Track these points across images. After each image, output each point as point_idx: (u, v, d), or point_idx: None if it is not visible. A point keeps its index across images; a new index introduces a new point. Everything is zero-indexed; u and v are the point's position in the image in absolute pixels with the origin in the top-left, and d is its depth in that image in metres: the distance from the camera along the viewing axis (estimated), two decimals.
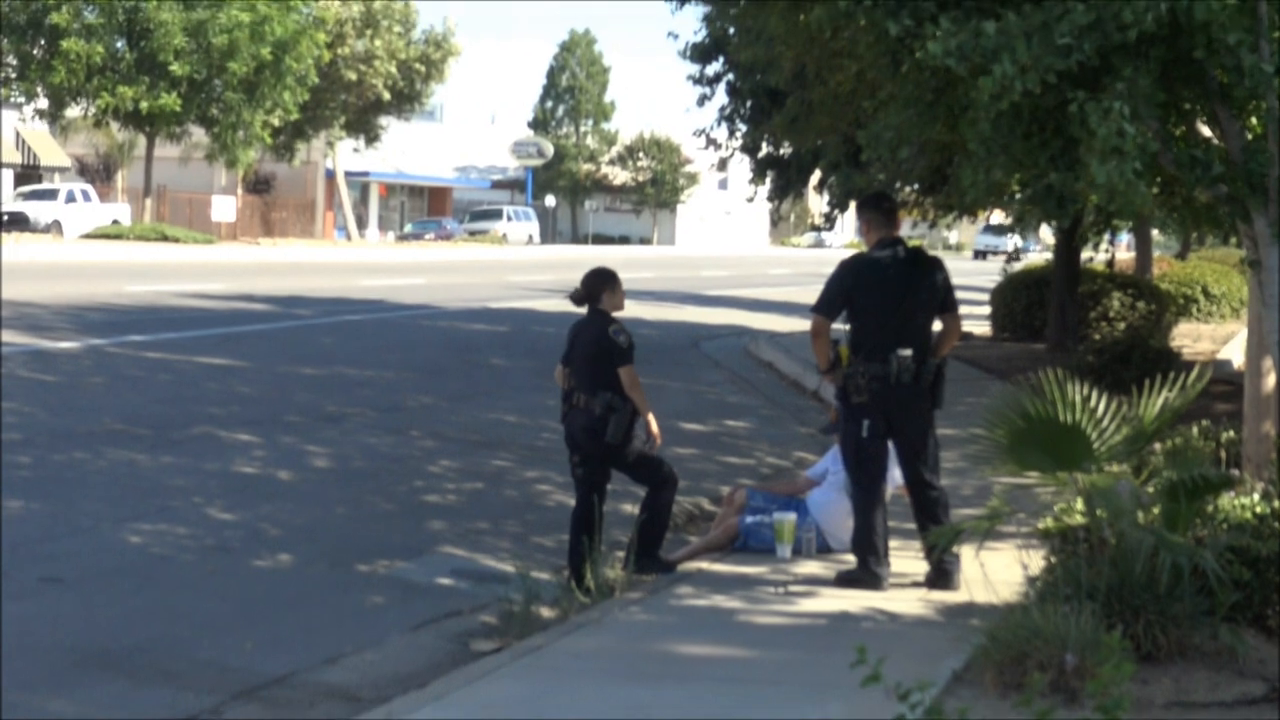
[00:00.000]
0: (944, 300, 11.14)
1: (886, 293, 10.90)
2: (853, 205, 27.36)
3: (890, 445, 11.20)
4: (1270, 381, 11.67)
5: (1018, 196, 10.83)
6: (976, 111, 9.43)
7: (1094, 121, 8.49)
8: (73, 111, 68.34)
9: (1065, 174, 9.09)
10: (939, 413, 11.21)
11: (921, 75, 10.46)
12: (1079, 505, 9.72)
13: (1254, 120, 9.39)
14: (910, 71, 10.53)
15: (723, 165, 31.58)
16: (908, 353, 10.85)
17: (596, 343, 11.49)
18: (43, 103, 66.98)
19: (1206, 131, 9.48)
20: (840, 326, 11.13)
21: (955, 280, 11.40)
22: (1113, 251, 28.84)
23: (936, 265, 11.18)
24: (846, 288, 11.00)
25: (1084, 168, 8.75)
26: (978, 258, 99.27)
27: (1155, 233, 31.93)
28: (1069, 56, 8.92)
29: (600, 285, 11.70)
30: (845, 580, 11.10)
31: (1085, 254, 27.60)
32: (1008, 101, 9.06)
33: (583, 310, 11.78)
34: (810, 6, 11.70)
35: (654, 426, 11.65)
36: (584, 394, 11.49)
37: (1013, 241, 36.44)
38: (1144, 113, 8.90)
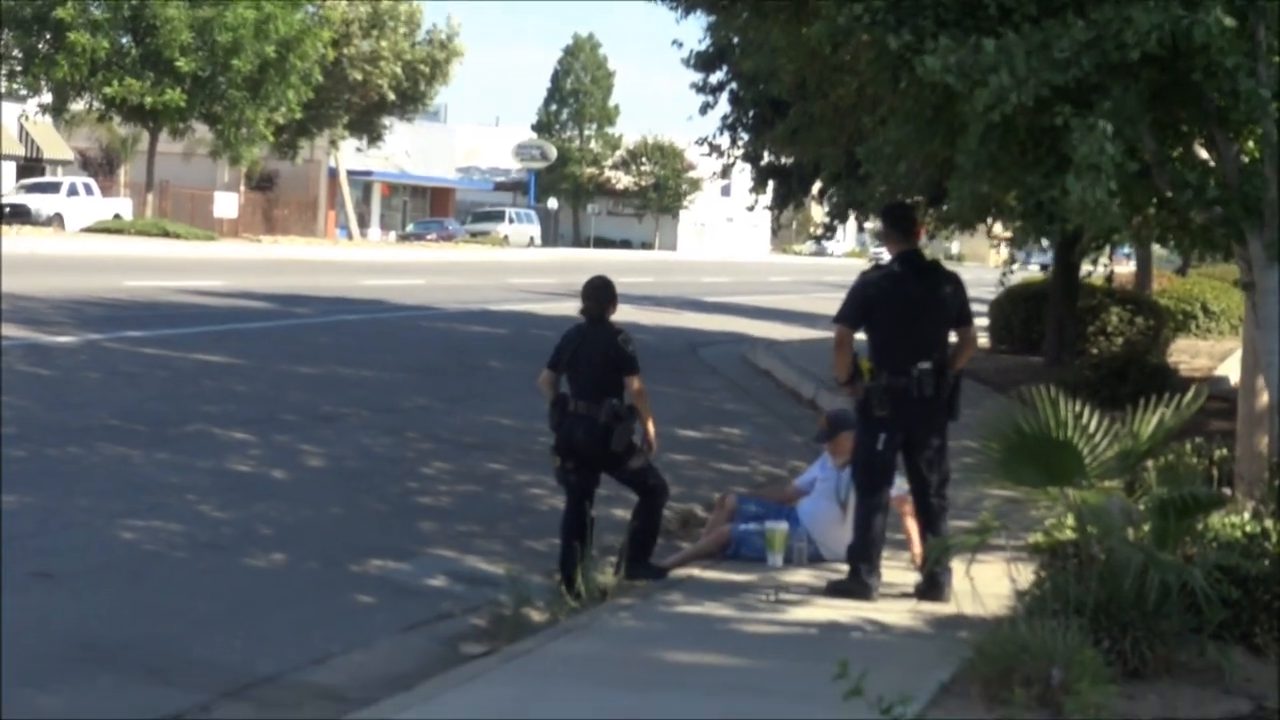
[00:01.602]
0: (960, 313, 11.20)
1: (906, 306, 10.96)
2: (853, 215, 27.57)
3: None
4: (1263, 401, 11.69)
5: (1011, 210, 10.86)
6: (970, 126, 9.46)
7: (1076, 138, 8.51)
8: (76, 105, 68.28)
9: (1050, 189, 9.11)
10: (953, 425, 11.25)
11: (921, 91, 10.49)
12: (1070, 521, 9.74)
13: (1250, 144, 9.41)
14: (910, 87, 10.55)
15: (725, 173, 31.59)
16: (927, 366, 10.89)
17: (605, 352, 11.52)
18: (46, 97, 66.92)
19: (1203, 153, 9.50)
20: (859, 338, 11.17)
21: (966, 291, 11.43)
22: (1111, 267, 28.81)
23: (952, 278, 11.23)
24: (867, 299, 11.04)
25: (1064, 183, 8.78)
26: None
27: (1157, 248, 31.90)
28: (1067, 71, 8.95)
29: (608, 298, 11.78)
30: (836, 590, 11.12)
31: (1085, 269, 27.61)
32: (999, 114, 9.08)
33: (575, 308, 11.80)
34: (811, 21, 11.73)
35: (652, 434, 11.67)
36: (586, 401, 11.50)
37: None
38: (1129, 133, 8.91)
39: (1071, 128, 8.75)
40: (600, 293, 11.77)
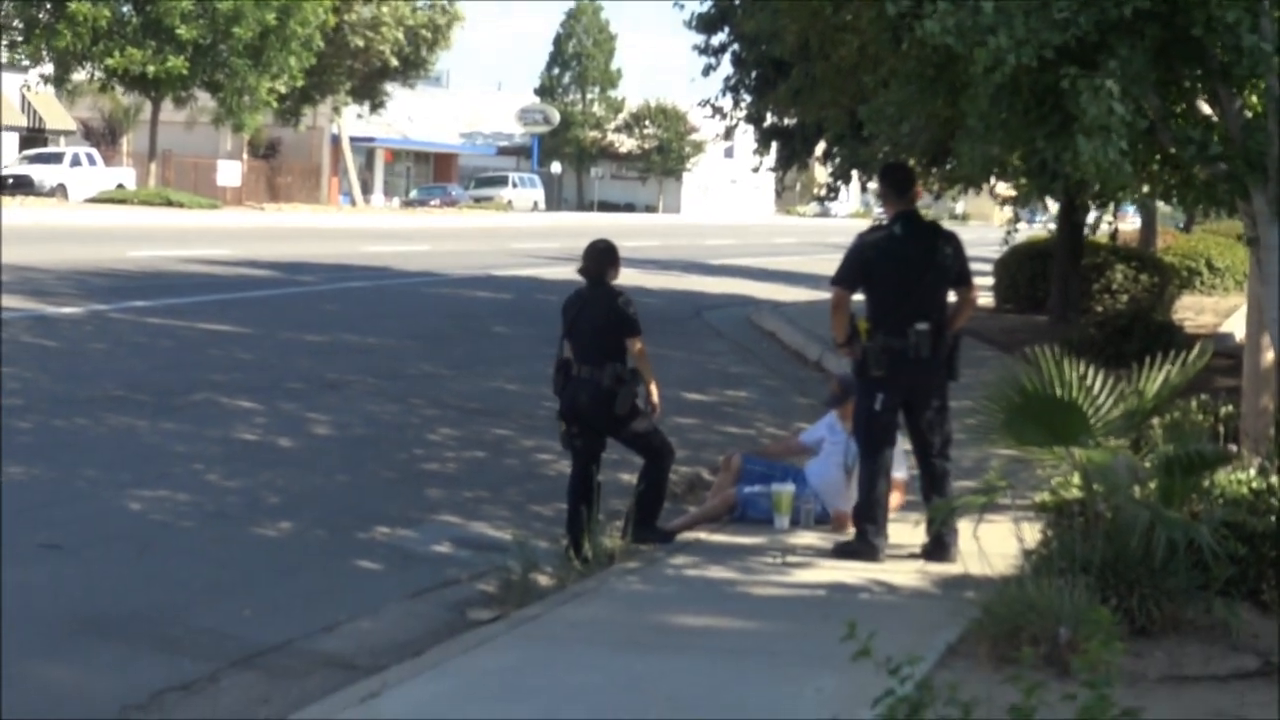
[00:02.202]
0: (959, 274, 11.19)
1: (904, 267, 10.94)
2: (856, 176, 27.53)
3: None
4: (1269, 357, 11.68)
5: (1016, 170, 10.84)
6: (976, 88, 9.43)
7: (1085, 99, 8.49)
8: (78, 75, 68.18)
9: (1057, 149, 9.09)
10: (958, 385, 11.25)
11: (923, 51, 10.46)
12: (1076, 480, 9.74)
13: (1253, 99, 9.38)
14: (911, 48, 10.53)
15: (728, 134, 31.55)
16: (925, 326, 10.88)
17: (606, 315, 11.49)
18: (48, 67, 66.83)
19: (1206, 109, 9.47)
20: (856, 299, 11.17)
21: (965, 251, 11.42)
22: (1115, 224, 28.78)
23: (951, 238, 11.22)
24: (865, 260, 11.03)
25: (1073, 143, 8.75)
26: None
27: (1161, 205, 31.85)
28: (1066, 30, 8.92)
29: (609, 260, 11.72)
30: (843, 551, 11.14)
31: (1090, 221, 27.56)
32: (1001, 74, 9.05)
33: (581, 281, 11.78)
34: None
35: (655, 397, 11.67)
36: (589, 365, 11.46)
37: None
38: (1136, 91, 8.89)
39: (1079, 89, 8.72)
40: (600, 255, 11.74)
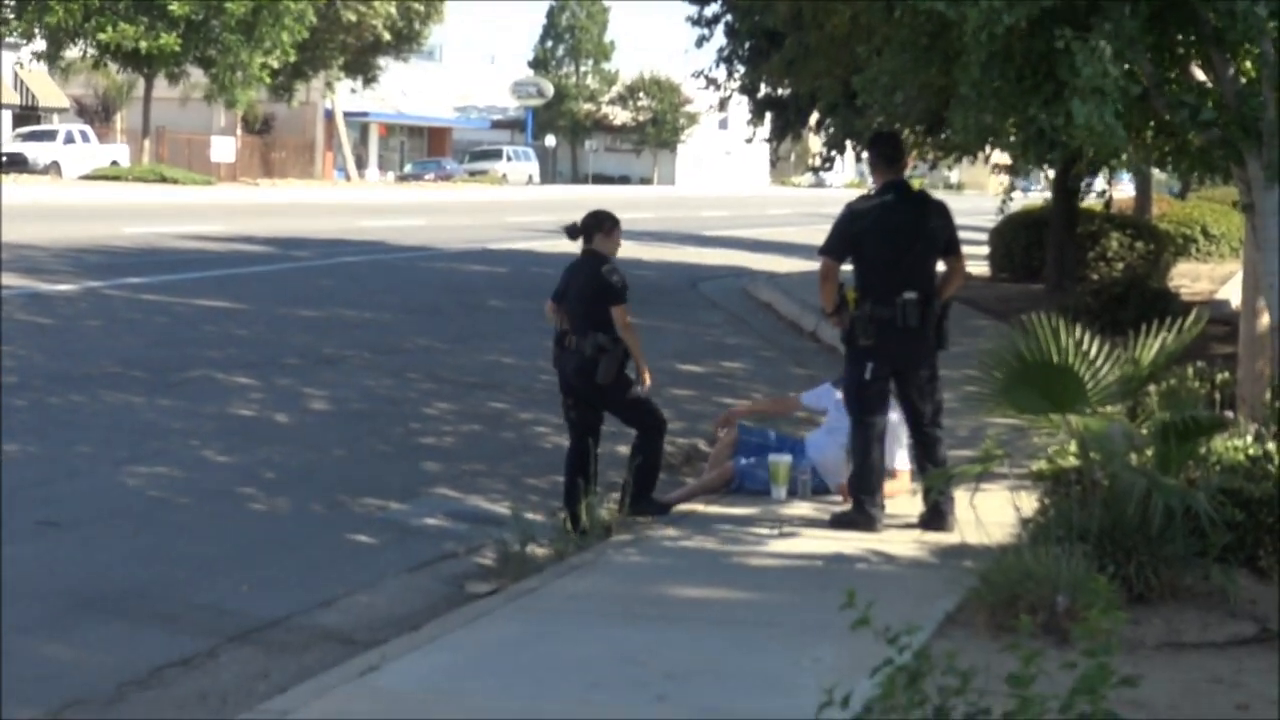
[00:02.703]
0: (948, 243, 11.18)
1: (892, 236, 10.92)
2: (850, 146, 27.50)
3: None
4: (1264, 323, 11.68)
5: (1011, 139, 10.82)
6: (969, 55, 9.41)
7: (1079, 61, 8.47)
8: (71, 52, 68.08)
9: (1051, 116, 9.07)
10: (941, 354, 11.25)
11: (916, 20, 10.44)
12: (1072, 448, 9.74)
13: (1248, 64, 9.36)
14: (904, 16, 10.51)
15: (722, 106, 31.49)
16: (913, 295, 10.87)
17: (590, 283, 11.46)
18: (40, 44, 66.73)
19: (1200, 75, 9.45)
20: (846, 269, 11.16)
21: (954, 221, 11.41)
22: (1109, 192, 28.77)
23: (940, 208, 11.21)
24: (853, 230, 11.02)
25: (1067, 108, 8.73)
26: None
27: (1156, 172, 31.80)
28: None
29: (596, 225, 11.64)
30: (840, 521, 11.14)
31: (1085, 187, 27.56)
32: (992, 37, 9.03)
33: (576, 246, 11.74)
34: None
35: (645, 369, 11.64)
36: (576, 335, 11.46)
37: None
38: (1130, 55, 8.87)
39: (1073, 51, 8.70)
40: (589, 218, 11.69)
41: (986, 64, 9.31)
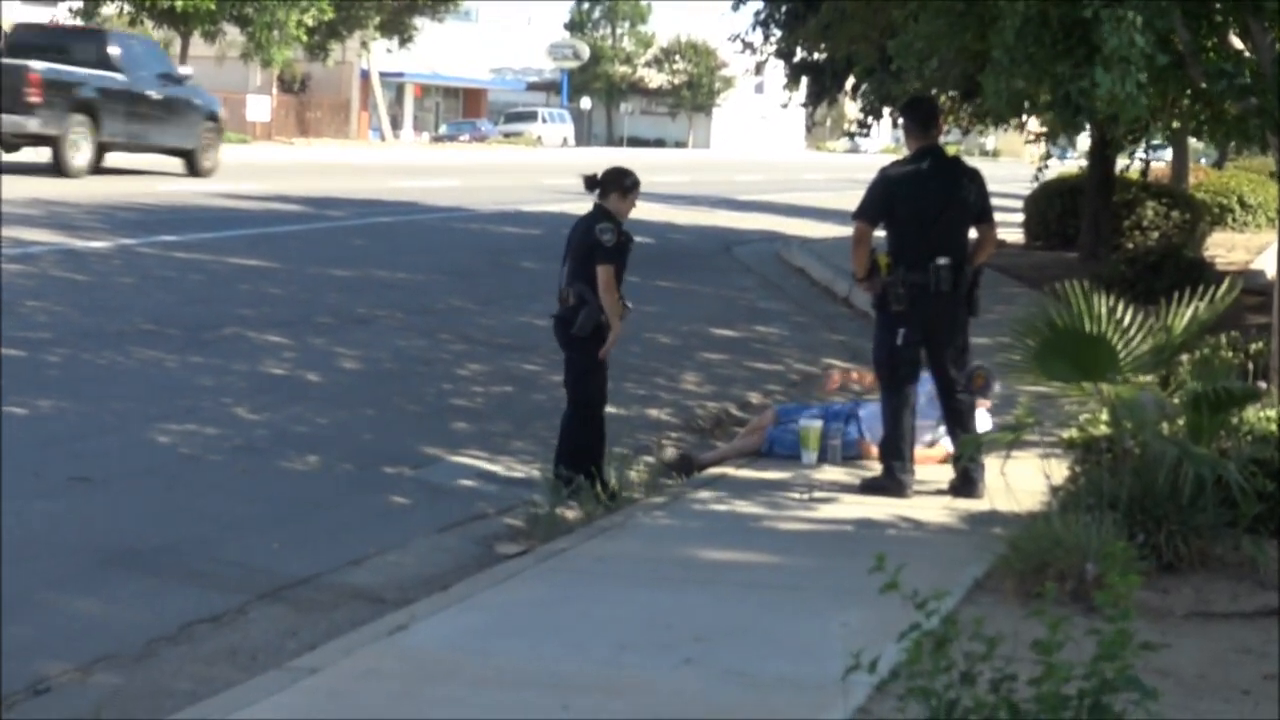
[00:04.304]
0: (980, 209, 11.16)
1: (925, 201, 10.91)
2: (887, 111, 27.43)
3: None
4: None
5: (1042, 103, 10.78)
6: (1004, 20, 9.37)
7: (1107, 29, 8.43)
8: (108, 9, 68.08)
9: (1079, 82, 9.03)
10: (973, 321, 11.23)
11: None
12: (1103, 416, 9.72)
13: None
14: None
15: (758, 70, 31.39)
16: (946, 261, 10.86)
17: (585, 236, 11.28)
18: (77, 1, 66.77)
19: (1238, 43, 9.39)
20: (879, 234, 11.14)
21: (989, 188, 11.38)
22: (1148, 159, 28.67)
23: (973, 174, 11.19)
24: (887, 195, 11.01)
25: (1092, 75, 8.69)
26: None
27: (1194, 141, 31.64)
28: None
29: (615, 181, 11.42)
30: (870, 487, 11.14)
31: (1121, 163, 27.48)
32: (1028, 4, 8.98)
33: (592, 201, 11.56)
34: None
35: (614, 336, 11.30)
36: (567, 286, 11.31)
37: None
38: (1161, 25, 8.82)
39: (1102, 19, 8.66)
40: (609, 173, 11.48)
41: (1021, 29, 9.27)
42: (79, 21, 68.49)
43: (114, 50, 37.46)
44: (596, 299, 11.14)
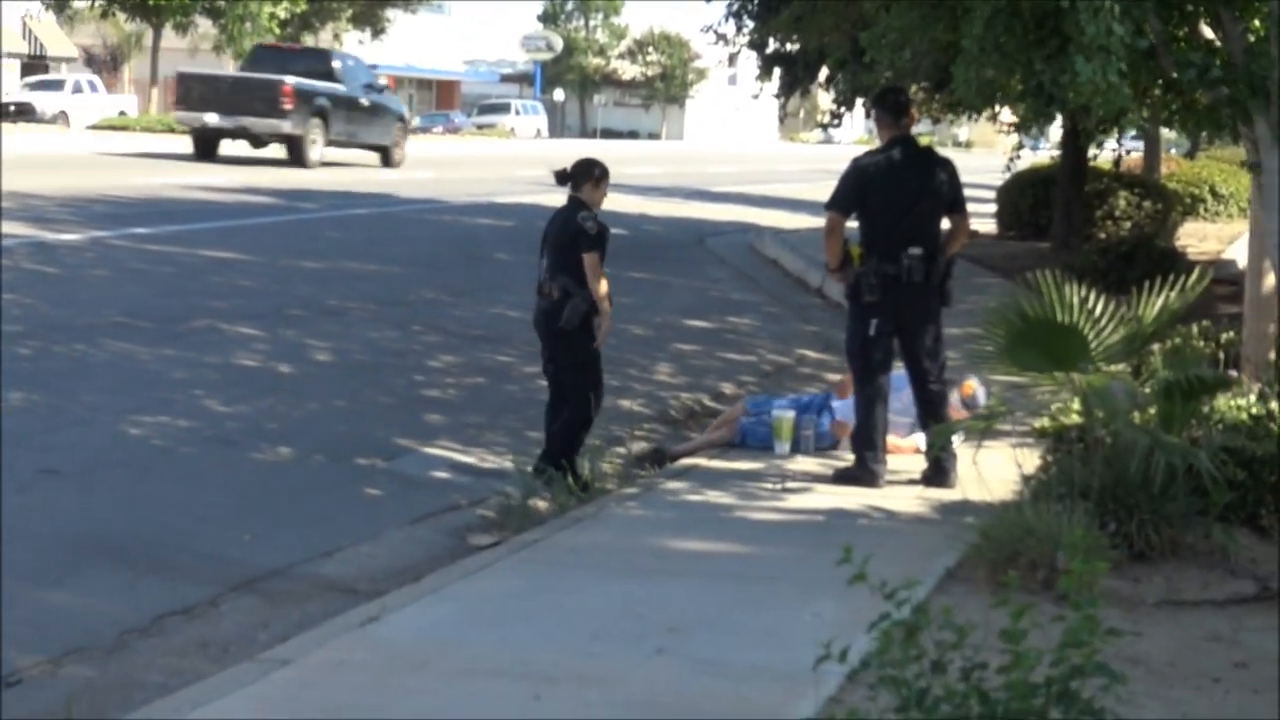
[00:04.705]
0: (953, 199, 11.17)
1: (898, 192, 10.92)
2: (860, 102, 27.45)
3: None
4: (1270, 283, 11.66)
5: (1015, 94, 10.79)
6: (975, 11, 9.37)
7: (1084, 18, 8.43)
8: (79, 2, 67.98)
9: (1055, 72, 9.03)
10: (945, 311, 11.24)
11: None
12: (1075, 405, 9.74)
13: (1256, 22, 9.32)
14: None
15: (731, 61, 31.36)
16: (918, 251, 10.87)
17: (565, 227, 11.32)
18: None
19: (1209, 33, 9.40)
20: (851, 225, 11.14)
21: (961, 178, 11.39)
22: (1119, 151, 28.71)
23: (946, 164, 11.20)
24: (859, 185, 11.01)
25: (1071, 65, 8.69)
26: None
27: (1165, 131, 31.70)
28: None
29: (585, 172, 11.47)
30: (842, 477, 11.15)
31: (1092, 152, 27.52)
32: None
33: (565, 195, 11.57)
34: None
35: (605, 326, 11.37)
36: (548, 281, 11.32)
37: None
38: (1136, 14, 8.84)
39: (1078, 8, 8.66)
40: (578, 165, 11.54)
41: (991, 19, 9.27)
42: (51, 14, 68.45)
43: (336, 65, 46.15)
44: (582, 290, 11.16)
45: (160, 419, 12.60)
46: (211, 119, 42.38)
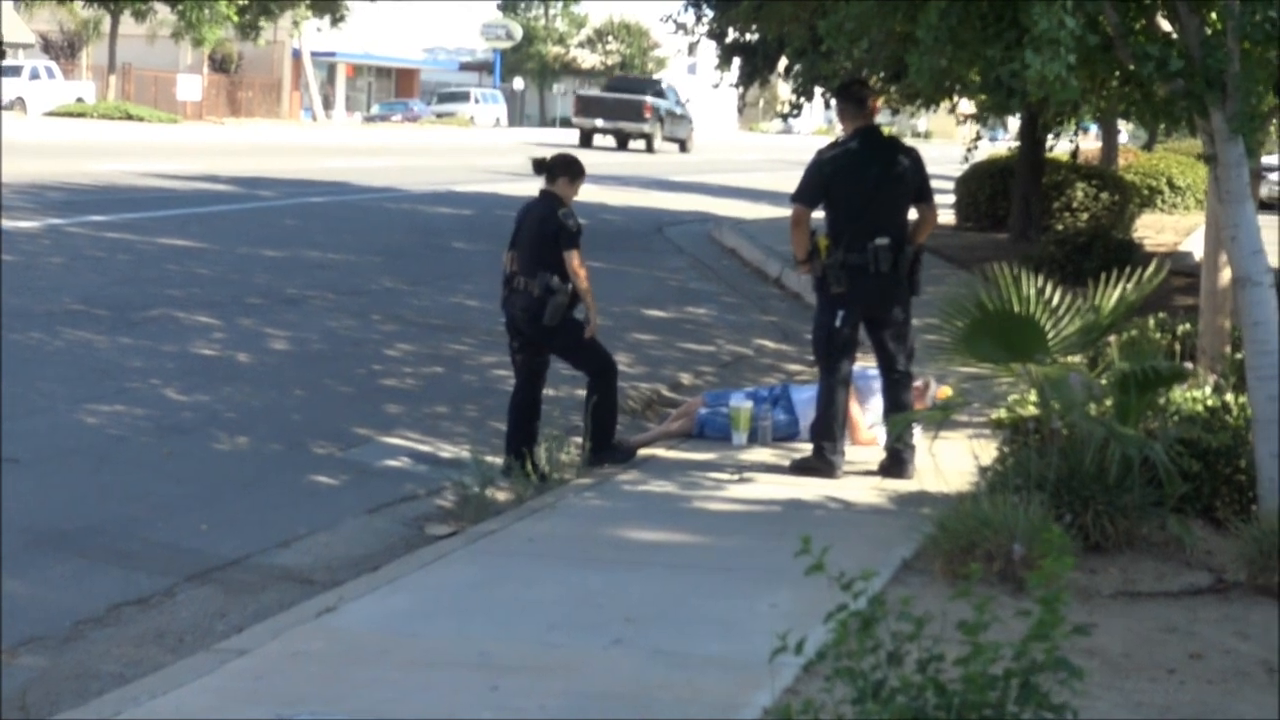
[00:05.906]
0: (919, 189, 11.18)
1: (863, 182, 10.92)
2: (820, 92, 27.44)
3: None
4: (1226, 276, 11.69)
5: (971, 86, 10.79)
6: (931, 4, 9.38)
7: (1037, 11, 8.45)
8: None
9: (1010, 64, 9.04)
10: (916, 302, 11.25)
11: None
12: (1032, 397, 9.78)
13: (1213, 15, 9.34)
14: None
15: (691, 51, 31.32)
16: (885, 241, 10.88)
17: (543, 224, 11.34)
18: None
19: (1166, 26, 9.42)
20: (817, 216, 11.14)
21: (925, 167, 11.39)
22: (1076, 143, 28.79)
23: (911, 154, 11.20)
24: (824, 177, 11.01)
25: (1022, 57, 8.70)
26: None
27: (1123, 123, 31.77)
28: None
29: (565, 168, 11.52)
30: (800, 468, 11.16)
31: (1049, 143, 27.59)
32: None
33: (538, 186, 11.62)
34: None
35: (593, 315, 11.49)
36: (525, 276, 11.35)
37: None
38: (1091, 7, 8.86)
39: (1032, 0, 8.67)
40: (559, 159, 11.60)
41: (946, 9, 9.27)
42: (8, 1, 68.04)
43: (663, 87, 69.96)
44: (563, 285, 11.22)
45: (117, 407, 12.56)
46: (598, 123, 65.59)
